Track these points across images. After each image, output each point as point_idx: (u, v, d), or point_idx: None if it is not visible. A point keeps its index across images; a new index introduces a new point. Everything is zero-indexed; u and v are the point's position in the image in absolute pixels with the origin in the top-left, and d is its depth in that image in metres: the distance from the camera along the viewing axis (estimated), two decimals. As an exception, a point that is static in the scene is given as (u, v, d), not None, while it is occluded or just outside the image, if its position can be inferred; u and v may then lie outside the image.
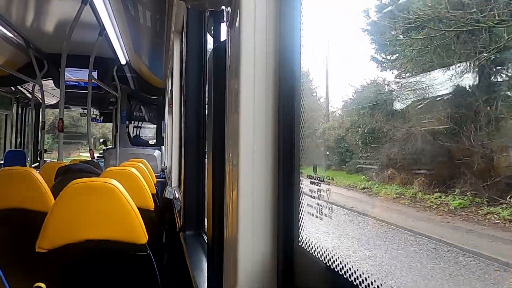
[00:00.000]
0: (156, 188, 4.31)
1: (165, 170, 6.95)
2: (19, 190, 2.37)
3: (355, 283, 0.61)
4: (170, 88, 5.57)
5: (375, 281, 0.58)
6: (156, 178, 5.08)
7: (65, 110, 5.90)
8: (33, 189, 2.35)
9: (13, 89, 8.83)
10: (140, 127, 10.01)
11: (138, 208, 1.87)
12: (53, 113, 15.97)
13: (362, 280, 0.60)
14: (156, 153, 8.20)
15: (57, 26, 5.56)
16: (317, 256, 0.70)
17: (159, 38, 5.17)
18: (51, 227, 1.78)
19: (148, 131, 10.27)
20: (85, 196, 1.80)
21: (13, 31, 5.48)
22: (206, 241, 1.82)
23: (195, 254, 1.87)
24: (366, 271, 0.60)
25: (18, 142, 9.95)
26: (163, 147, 8.23)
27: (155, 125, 9.64)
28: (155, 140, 9.53)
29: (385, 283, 0.56)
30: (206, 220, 2.17)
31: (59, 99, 5.67)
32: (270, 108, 0.84)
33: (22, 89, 9.00)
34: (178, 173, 4.06)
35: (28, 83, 7.91)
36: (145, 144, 9.31)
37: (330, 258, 0.66)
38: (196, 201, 2.34)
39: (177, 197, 3.33)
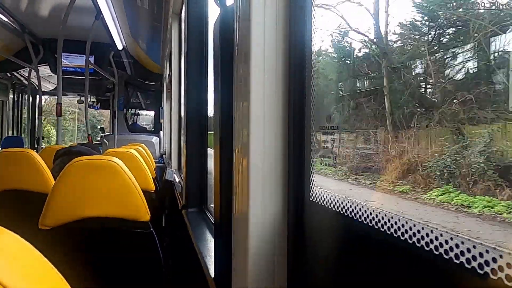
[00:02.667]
0: (155, 173, 4.30)
1: (164, 156, 6.93)
2: (19, 171, 2.35)
3: (366, 223, 0.61)
4: (168, 72, 5.52)
5: (383, 217, 0.57)
6: (155, 163, 5.06)
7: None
8: (33, 170, 2.33)
9: (9, 75, 8.76)
10: (138, 114, 9.97)
11: None
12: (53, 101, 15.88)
13: (373, 218, 0.60)
14: (154, 139, 8.16)
15: (53, 9, 5.48)
16: (329, 206, 0.69)
17: (157, 22, 5.10)
18: (54, 204, 1.77)
19: (144, 118, 10.23)
20: (86, 173, 1.78)
21: (8, 15, 5.39)
22: (212, 214, 1.82)
23: (198, 228, 1.87)
24: (374, 210, 0.59)
25: (15, 129, 9.90)
26: (161, 133, 8.19)
27: (152, 112, 9.60)
28: (153, 127, 9.49)
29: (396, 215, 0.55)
30: (213, 196, 2.18)
31: (55, 85, 5.63)
32: (280, 66, 0.81)
33: (18, 75, 8.92)
34: (178, 156, 4.05)
35: (24, 69, 7.84)
36: (143, 130, 9.27)
37: (344, 206, 0.65)
38: (198, 180, 2.34)
39: (177, 180, 3.33)
